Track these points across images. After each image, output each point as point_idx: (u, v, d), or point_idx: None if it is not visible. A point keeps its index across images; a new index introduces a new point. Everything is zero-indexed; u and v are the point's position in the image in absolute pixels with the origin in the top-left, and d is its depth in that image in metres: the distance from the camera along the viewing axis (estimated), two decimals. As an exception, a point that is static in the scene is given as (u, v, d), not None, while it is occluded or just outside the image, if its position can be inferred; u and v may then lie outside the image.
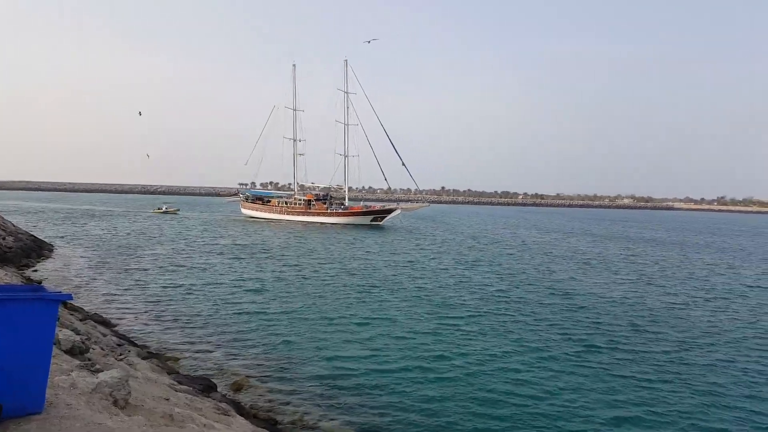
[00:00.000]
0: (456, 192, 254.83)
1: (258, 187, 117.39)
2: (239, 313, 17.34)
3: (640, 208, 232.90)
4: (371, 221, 63.79)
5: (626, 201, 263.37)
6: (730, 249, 50.24)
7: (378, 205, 71.08)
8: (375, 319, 17.13)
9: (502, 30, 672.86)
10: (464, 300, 20.77)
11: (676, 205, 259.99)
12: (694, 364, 13.84)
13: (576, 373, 12.70)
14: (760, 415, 10.76)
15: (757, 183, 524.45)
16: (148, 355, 11.97)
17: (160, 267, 26.29)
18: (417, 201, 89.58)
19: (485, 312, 18.70)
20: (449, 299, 20.68)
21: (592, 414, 10.42)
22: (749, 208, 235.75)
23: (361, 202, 72.72)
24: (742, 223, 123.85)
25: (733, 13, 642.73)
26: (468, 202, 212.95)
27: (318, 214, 65.27)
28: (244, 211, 73.51)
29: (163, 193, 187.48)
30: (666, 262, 37.14)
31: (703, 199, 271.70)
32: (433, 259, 33.40)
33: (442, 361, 13.11)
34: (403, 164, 63.38)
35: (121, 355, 9.89)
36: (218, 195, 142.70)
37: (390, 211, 65.05)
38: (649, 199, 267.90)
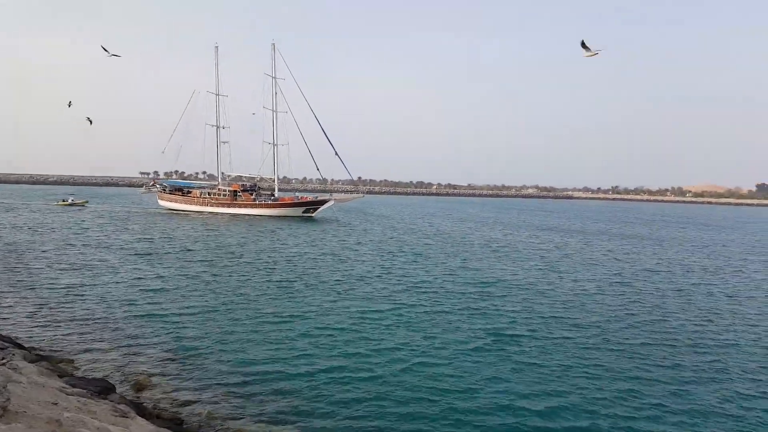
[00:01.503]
0: (372, 182, 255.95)
1: (174, 177, 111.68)
2: (141, 314, 16.25)
3: (543, 197, 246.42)
4: (303, 213, 61.76)
5: (531, 191, 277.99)
6: (628, 236, 54.37)
7: (310, 196, 68.78)
8: (291, 315, 16.71)
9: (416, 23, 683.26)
10: (385, 293, 20.76)
11: (576, 194, 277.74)
12: (606, 348, 14.82)
13: (497, 364, 13.01)
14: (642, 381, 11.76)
15: (647, 174, 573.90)
16: (37, 358, 11.02)
17: (55, 266, 24.20)
18: (351, 192, 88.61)
19: (406, 304, 18.77)
20: (370, 293, 20.52)
21: (517, 405, 10.66)
22: (640, 197, 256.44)
23: (296, 194, 70.27)
24: (637, 210, 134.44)
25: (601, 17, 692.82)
26: (384, 192, 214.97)
27: (244, 206, 62.19)
28: (161, 202, 68.85)
29: (57, 183, 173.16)
30: (569, 248, 39.57)
31: (599, 188, 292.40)
32: (356, 250, 33.36)
33: (358, 357, 12.96)
34: (336, 154, 61.31)
35: (2, 359, 9.00)
36: (117, 185, 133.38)
37: (323, 202, 63.15)
38: (551, 189, 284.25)
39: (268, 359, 12.55)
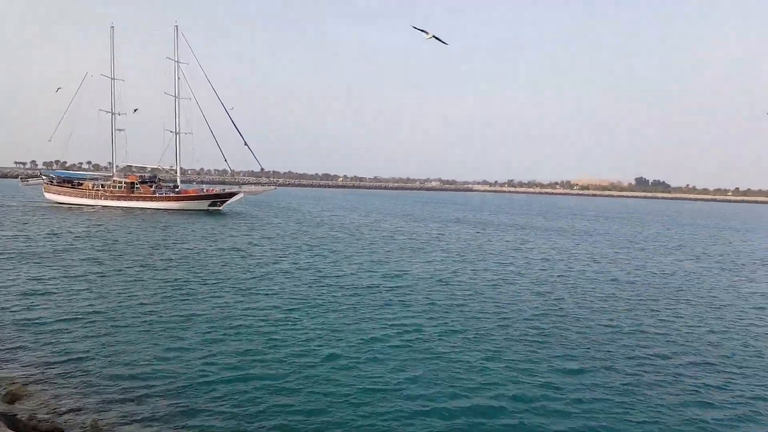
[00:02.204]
0: (276, 174, 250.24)
1: (54, 167, 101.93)
2: (15, 320, 14.55)
3: (446, 190, 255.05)
4: (209, 206, 58.31)
5: (435, 184, 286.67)
6: (525, 227, 57.42)
7: (217, 188, 64.93)
8: (187, 316, 15.63)
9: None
10: (291, 290, 20.26)
11: (475, 187, 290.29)
12: (509, 338, 15.43)
13: (409, 358, 12.97)
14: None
15: (540, 168, 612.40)
16: None
17: None
18: (263, 183, 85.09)
19: (314, 301, 18.37)
20: (275, 290, 19.80)
21: (428, 398, 10.73)
22: (533, 190, 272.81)
23: (203, 186, 66.40)
24: (532, 202, 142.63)
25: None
26: (289, 185, 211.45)
27: (143, 199, 57.78)
28: (48, 195, 62.03)
29: None
30: (471, 239, 41.11)
31: (496, 182, 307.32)
32: (261, 245, 32.22)
33: (259, 357, 12.40)
34: (246, 144, 58.24)
35: None
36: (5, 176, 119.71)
37: (231, 194, 60.09)
38: (453, 182, 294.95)
39: (159, 361, 11.74)
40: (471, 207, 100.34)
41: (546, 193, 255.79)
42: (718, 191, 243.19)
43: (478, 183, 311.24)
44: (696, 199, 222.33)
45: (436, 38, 23.28)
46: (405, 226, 50.60)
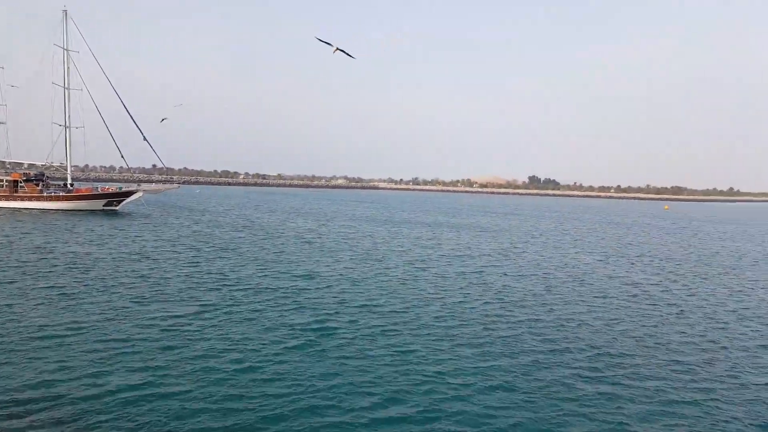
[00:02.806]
0: (171, 171, 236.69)
1: None
2: None
3: (352, 188, 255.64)
4: (104, 206, 54.27)
5: (341, 181, 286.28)
6: (431, 224, 58.47)
7: (113, 187, 60.55)
8: (72, 327, 14.14)
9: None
10: (190, 294, 19.04)
11: (381, 185, 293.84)
12: (419, 334, 15.28)
13: (318, 360, 12.61)
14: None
15: (442, 167, 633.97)
16: None
17: None
18: (163, 181, 79.41)
19: (215, 305, 17.39)
20: (172, 295, 18.48)
21: (343, 400, 10.38)
22: (435, 188, 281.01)
23: (98, 184, 61.81)
24: (435, 200, 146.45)
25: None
26: (185, 182, 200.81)
27: (29, 199, 52.90)
28: None
29: None
30: (379, 237, 41.07)
31: (401, 180, 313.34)
32: (158, 247, 30.03)
33: (156, 369, 11.46)
34: (145, 139, 54.07)
35: None
36: None
37: (129, 193, 56.07)
38: (359, 180, 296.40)
39: (42, 382, 10.39)
40: (380, 205, 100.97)
41: (449, 190, 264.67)
42: (602, 188, 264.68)
43: (384, 181, 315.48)
44: (582, 196, 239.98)
45: (342, 51, 23.10)
46: (312, 224, 49.66)
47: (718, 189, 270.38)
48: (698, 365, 13.28)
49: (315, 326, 15.08)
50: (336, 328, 14.97)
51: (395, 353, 13.10)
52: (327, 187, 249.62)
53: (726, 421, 10.17)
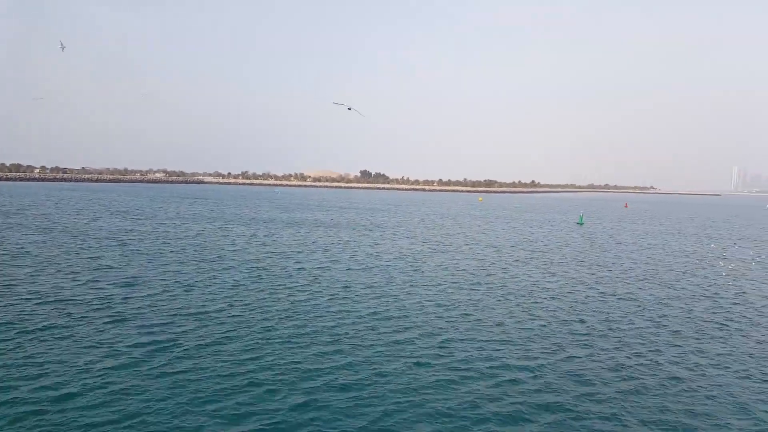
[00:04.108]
0: None
1: None
2: None
3: (173, 182, 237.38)
4: None
5: (159, 175, 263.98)
6: (263, 220, 56.35)
7: None
8: None
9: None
10: None
11: (206, 179, 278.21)
12: (244, 337, 14.11)
13: (147, 377, 10.91)
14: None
15: (274, 161, 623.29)
16: None
17: None
18: None
19: (10, 321, 14.28)
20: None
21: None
22: (268, 182, 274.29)
23: None
24: (267, 195, 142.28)
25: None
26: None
27: None
28: None
29: None
30: (210, 236, 38.32)
31: (230, 173, 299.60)
32: None
33: None
34: None
35: None
36: None
37: None
38: (181, 174, 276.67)
39: None
40: (209, 201, 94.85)
41: (281, 185, 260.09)
42: (426, 182, 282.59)
43: (210, 174, 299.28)
44: (410, 189, 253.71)
45: (356, 110, 29.62)
46: (130, 225, 44.65)
47: (523, 182, 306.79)
48: (515, 331, 14.31)
49: (144, 340, 13.24)
50: (163, 342, 13.30)
51: (231, 359, 11.95)
52: (143, 181, 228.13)
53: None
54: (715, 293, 22.24)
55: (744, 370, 12.86)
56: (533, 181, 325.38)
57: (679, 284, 23.97)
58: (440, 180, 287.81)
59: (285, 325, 15.22)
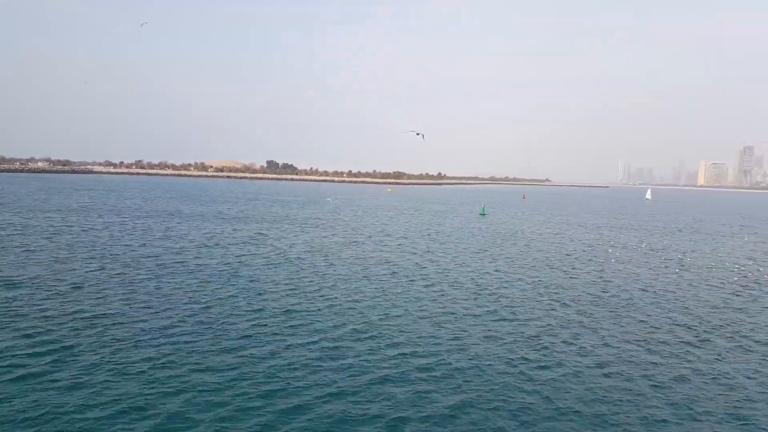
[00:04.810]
0: None
1: None
2: None
3: (58, 172, 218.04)
4: None
5: (41, 164, 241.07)
6: (170, 213, 53.97)
7: None
8: None
9: None
10: None
11: (96, 168, 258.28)
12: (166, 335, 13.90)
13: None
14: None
15: (170, 149, 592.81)
16: None
17: None
18: None
19: None
20: None
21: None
22: (165, 171, 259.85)
23: None
24: (169, 185, 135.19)
25: None
26: None
27: None
28: None
29: None
30: (105, 233, 36.35)
31: (122, 162, 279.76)
32: None
33: None
34: None
35: None
36: None
37: None
38: (66, 163, 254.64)
39: None
40: (103, 194, 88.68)
41: (181, 174, 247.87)
42: (335, 173, 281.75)
43: (100, 164, 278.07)
44: (319, 180, 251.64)
45: (421, 135, 36.94)
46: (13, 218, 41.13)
47: (430, 174, 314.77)
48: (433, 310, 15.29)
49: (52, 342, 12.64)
50: (74, 347, 12.89)
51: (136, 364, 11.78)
52: (23, 170, 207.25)
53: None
54: (600, 276, 24.76)
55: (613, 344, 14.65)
56: (440, 173, 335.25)
57: (574, 270, 26.41)
58: (350, 171, 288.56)
59: (187, 324, 15.06)
